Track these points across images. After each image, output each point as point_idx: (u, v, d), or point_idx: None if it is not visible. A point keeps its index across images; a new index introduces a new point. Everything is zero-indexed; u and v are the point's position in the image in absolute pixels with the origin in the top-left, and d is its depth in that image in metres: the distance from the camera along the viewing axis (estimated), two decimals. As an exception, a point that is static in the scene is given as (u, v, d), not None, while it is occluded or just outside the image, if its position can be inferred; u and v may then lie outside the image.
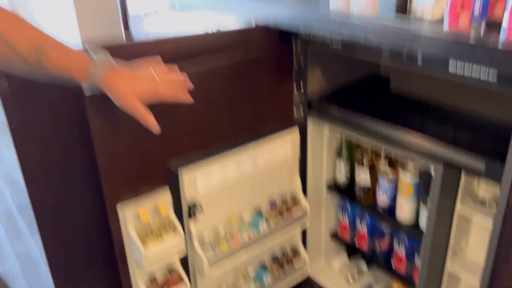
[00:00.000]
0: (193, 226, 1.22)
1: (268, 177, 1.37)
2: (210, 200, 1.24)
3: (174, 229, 1.14)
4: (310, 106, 1.37)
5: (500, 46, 0.77)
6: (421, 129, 1.16)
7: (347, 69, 1.43)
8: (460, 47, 0.81)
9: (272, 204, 1.40)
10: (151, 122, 0.90)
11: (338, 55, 1.19)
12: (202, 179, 1.20)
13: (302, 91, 1.35)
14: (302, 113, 1.38)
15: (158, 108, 0.93)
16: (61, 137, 1.04)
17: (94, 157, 1.03)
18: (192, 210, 1.20)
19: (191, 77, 1.02)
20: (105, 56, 0.88)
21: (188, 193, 1.18)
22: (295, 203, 1.45)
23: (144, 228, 1.11)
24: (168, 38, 1.18)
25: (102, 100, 0.91)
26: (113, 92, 0.88)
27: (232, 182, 1.28)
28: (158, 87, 0.92)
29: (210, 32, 1.50)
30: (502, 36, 0.80)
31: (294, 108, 1.37)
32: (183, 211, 1.19)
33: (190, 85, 0.98)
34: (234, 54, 1.22)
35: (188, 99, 0.97)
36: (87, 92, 0.93)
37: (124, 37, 1.89)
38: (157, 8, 1.85)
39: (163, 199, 1.13)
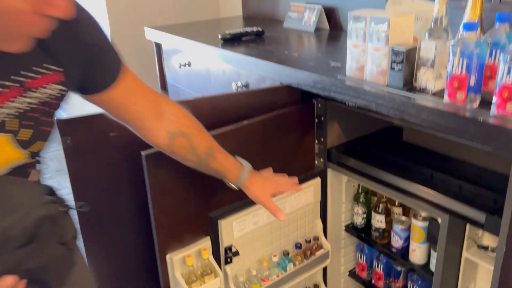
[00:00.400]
0: (229, 269, 1.35)
1: (293, 221, 1.50)
2: (244, 245, 1.38)
3: (213, 271, 1.28)
4: (330, 157, 1.51)
5: (490, 120, 0.90)
6: (429, 181, 1.29)
7: (364, 122, 1.57)
8: (455, 119, 0.95)
9: (297, 246, 1.53)
10: (280, 214, 1.16)
11: (355, 111, 1.34)
12: (237, 227, 1.34)
13: (322, 143, 1.49)
14: (322, 163, 1.52)
15: (203, 177, 1.13)
16: (115, 188, 1.21)
17: (142, 209, 1.19)
18: (228, 254, 1.34)
19: (228, 135, 1.18)
20: (248, 164, 1.16)
21: (225, 239, 1.32)
22: (317, 244, 1.57)
23: (187, 271, 1.26)
24: (205, 97, 1.35)
25: (157, 160, 1.09)
26: (251, 190, 1.16)
27: (262, 228, 1.42)
28: (279, 186, 1.22)
29: (239, 86, 1.68)
30: (493, 109, 0.93)
31: (316, 159, 1.51)
32: (221, 255, 1.33)
33: (296, 182, 1.28)
34: (263, 112, 1.37)
35: (297, 189, 1.30)
36: (146, 152, 1.10)
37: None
38: (190, 60, 2.03)
39: (204, 245, 1.28)
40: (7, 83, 0.73)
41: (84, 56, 0.83)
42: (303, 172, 1.49)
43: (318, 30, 1.99)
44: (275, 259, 1.47)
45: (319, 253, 1.56)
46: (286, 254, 1.49)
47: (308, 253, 1.54)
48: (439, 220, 1.23)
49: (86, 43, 0.83)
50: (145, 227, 1.22)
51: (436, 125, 1.00)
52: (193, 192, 1.23)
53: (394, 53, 1.09)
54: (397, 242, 1.47)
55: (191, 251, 1.26)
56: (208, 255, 1.28)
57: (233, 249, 1.36)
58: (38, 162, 0.85)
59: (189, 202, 1.24)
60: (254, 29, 1.88)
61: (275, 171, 1.41)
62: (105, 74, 0.90)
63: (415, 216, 1.39)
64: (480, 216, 1.13)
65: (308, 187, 1.50)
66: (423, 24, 1.20)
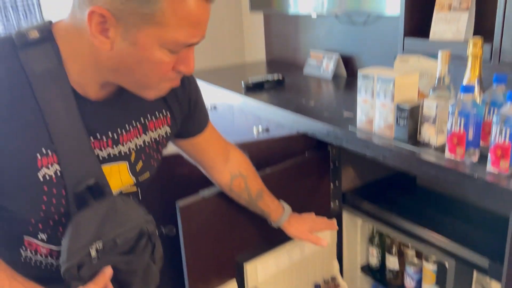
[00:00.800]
0: None
1: (312, 262, 1.57)
2: (268, 287, 1.45)
3: None
4: (345, 200, 1.59)
5: (484, 176, 0.98)
6: (438, 226, 1.35)
7: (377, 167, 1.65)
8: (454, 174, 1.03)
9: (317, 286, 1.59)
10: (323, 242, 1.34)
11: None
12: (261, 269, 1.41)
13: (337, 187, 1.58)
14: (337, 206, 1.60)
15: (229, 217, 1.26)
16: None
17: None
18: None
19: None
20: (289, 208, 1.33)
21: (250, 281, 1.39)
22: (335, 284, 1.64)
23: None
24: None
25: (190, 210, 1.21)
26: (289, 230, 1.32)
27: (285, 270, 1.49)
28: (316, 224, 1.38)
29: (260, 130, 1.79)
30: (488, 166, 1.01)
31: (331, 201, 1.60)
32: None
33: (334, 222, 1.45)
34: (282, 157, 1.47)
35: (333, 227, 1.45)
36: (181, 204, 1.22)
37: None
38: (216, 103, 2.17)
39: (231, 287, 1.37)
40: (137, 123, 0.94)
41: (187, 107, 1.04)
42: (319, 214, 1.57)
43: (336, 77, 2.11)
44: None
45: (336, 292, 1.62)
46: None
47: (327, 293, 1.61)
48: (447, 264, 1.29)
49: (190, 98, 1.04)
50: (176, 270, 1.33)
51: (437, 179, 1.08)
52: (221, 238, 1.33)
53: (399, 109, 1.18)
54: (409, 283, 1.53)
55: None
56: None
57: None
58: (138, 192, 1.01)
59: (217, 247, 1.33)
60: (275, 77, 2.01)
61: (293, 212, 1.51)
62: (198, 124, 1.11)
63: (427, 259, 1.46)
64: (484, 262, 1.18)
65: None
66: (428, 80, 1.30)
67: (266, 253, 1.43)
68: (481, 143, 1.09)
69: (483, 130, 1.10)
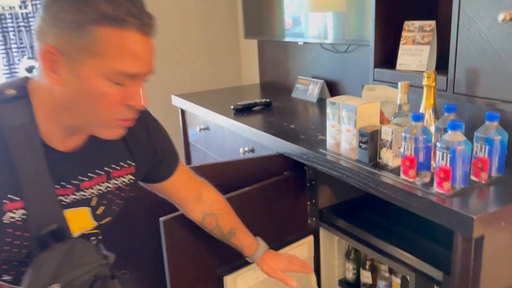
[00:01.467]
0: None
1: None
2: None
3: None
4: (322, 217, 1.70)
5: (428, 196, 1.10)
6: (404, 243, 1.45)
7: (353, 186, 1.76)
8: (403, 194, 1.15)
9: (295, 299, 1.70)
10: (293, 284, 1.37)
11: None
12: (241, 282, 1.50)
13: (314, 204, 1.69)
14: (315, 222, 1.71)
15: (210, 239, 1.35)
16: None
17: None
18: None
19: (232, 200, 1.38)
20: (265, 245, 1.39)
21: None
22: (313, 297, 1.74)
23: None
24: (210, 164, 1.59)
25: (173, 225, 1.31)
26: (263, 267, 1.37)
27: (262, 283, 1.57)
28: (291, 265, 1.40)
29: (246, 150, 1.92)
30: (434, 187, 1.12)
31: (308, 218, 1.71)
32: None
33: (308, 265, 1.46)
34: (262, 175, 1.59)
35: (308, 270, 1.45)
36: (164, 218, 1.32)
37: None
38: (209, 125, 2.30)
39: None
40: (100, 171, 1.00)
41: (153, 156, 1.10)
42: (297, 230, 1.69)
43: (320, 100, 2.23)
44: None
45: (315, 305, 1.72)
46: None
47: (305, 305, 1.71)
48: (408, 278, 1.39)
49: (156, 147, 1.10)
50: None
51: (390, 198, 1.19)
52: (203, 252, 1.42)
53: (361, 134, 1.30)
54: (381, 297, 1.63)
55: None
56: None
57: None
58: (100, 234, 1.07)
59: (199, 261, 1.41)
60: (263, 100, 2.14)
61: (273, 229, 1.60)
62: (166, 170, 1.17)
63: (395, 274, 1.55)
64: (439, 275, 1.28)
65: (302, 244, 1.69)
66: (392, 107, 1.42)
67: (245, 267, 1.51)
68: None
69: (435, 154, 1.21)
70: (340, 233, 1.65)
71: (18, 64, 5.56)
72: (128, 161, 1.05)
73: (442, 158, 1.09)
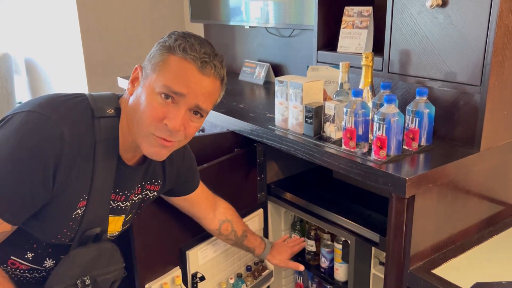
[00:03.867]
0: None
1: None
2: (207, 271, 1.61)
3: None
4: (270, 191, 1.81)
5: (366, 162, 1.22)
6: (345, 211, 1.59)
7: (298, 162, 1.88)
8: (345, 162, 1.27)
9: (248, 268, 1.79)
10: (301, 268, 1.63)
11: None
12: (201, 255, 1.57)
13: (263, 179, 1.79)
14: (264, 196, 1.81)
15: (171, 211, 1.42)
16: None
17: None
18: (195, 280, 1.56)
19: None
20: (270, 242, 1.64)
21: (192, 267, 1.55)
22: (262, 266, 1.84)
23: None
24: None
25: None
26: (272, 261, 1.62)
27: (220, 255, 1.66)
28: (292, 250, 1.66)
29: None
30: (372, 154, 1.25)
31: (258, 193, 1.81)
32: (188, 281, 1.55)
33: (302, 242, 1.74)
34: (213, 152, 1.66)
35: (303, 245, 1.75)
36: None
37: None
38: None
39: (177, 273, 1.50)
40: (139, 185, 1.16)
41: (179, 178, 1.29)
42: (249, 204, 1.78)
43: (266, 83, 2.33)
44: (231, 281, 1.72)
45: (265, 273, 1.83)
46: (239, 276, 1.75)
47: (256, 274, 1.81)
48: (349, 242, 1.53)
49: (186, 172, 1.30)
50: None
51: (333, 166, 1.31)
52: (167, 229, 1.47)
53: (306, 110, 1.41)
54: (324, 263, 1.76)
55: (167, 279, 1.48)
56: (180, 281, 1.50)
57: (199, 275, 1.58)
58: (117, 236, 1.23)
59: (163, 238, 1.47)
60: (212, 82, 2.20)
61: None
62: (188, 188, 1.36)
63: (337, 240, 1.69)
64: (375, 237, 1.43)
65: (254, 217, 1.79)
66: (334, 86, 1.54)
67: (205, 241, 1.59)
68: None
69: (372, 127, 1.34)
70: (287, 205, 1.76)
71: None
72: (159, 180, 1.23)
73: (379, 129, 1.22)
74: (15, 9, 3.75)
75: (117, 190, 1.09)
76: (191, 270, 1.56)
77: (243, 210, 1.73)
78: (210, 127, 1.91)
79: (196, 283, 1.59)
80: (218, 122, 1.81)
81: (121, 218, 1.16)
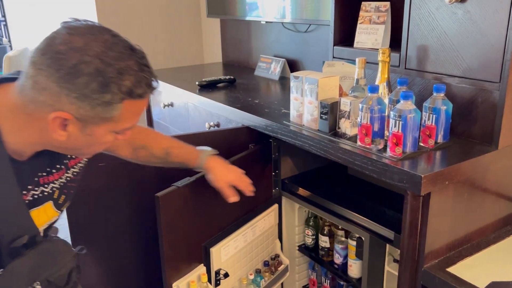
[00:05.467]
0: None
1: (261, 242, 1.77)
2: (229, 267, 1.62)
3: None
4: (284, 187, 1.81)
5: (382, 159, 1.21)
6: (360, 207, 1.58)
7: (314, 158, 1.87)
8: (360, 158, 1.26)
9: (266, 264, 1.80)
10: (234, 199, 1.41)
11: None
12: (224, 252, 1.57)
13: (277, 175, 1.79)
14: (278, 192, 1.81)
15: (198, 206, 1.42)
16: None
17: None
18: (218, 277, 1.56)
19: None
20: (210, 150, 1.41)
21: (215, 264, 1.55)
22: (278, 261, 1.84)
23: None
24: (179, 135, 1.65)
25: (168, 200, 1.35)
26: (213, 173, 1.39)
27: (241, 251, 1.66)
28: (240, 181, 1.45)
29: (212, 125, 1.99)
30: (387, 151, 1.24)
31: (273, 188, 1.81)
32: (212, 278, 1.55)
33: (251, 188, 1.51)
34: (228, 147, 1.66)
35: (250, 192, 1.50)
36: (160, 194, 1.34)
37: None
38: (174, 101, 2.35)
39: (202, 270, 1.50)
40: (60, 166, 1.03)
41: None
42: (264, 199, 1.78)
43: (282, 78, 2.33)
44: (251, 277, 1.73)
45: (280, 268, 1.83)
46: (258, 271, 1.76)
47: (273, 269, 1.82)
48: (363, 238, 1.52)
49: None
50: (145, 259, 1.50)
51: (348, 162, 1.30)
52: (192, 227, 1.46)
53: (322, 106, 1.41)
54: (338, 259, 1.76)
55: (193, 277, 1.47)
56: (206, 279, 1.50)
57: (222, 272, 1.58)
58: (60, 216, 1.12)
59: (189, 235, 1.46)
60: (227, 77, 2.21)
61: (241, 199, 1.68)
62: None
63: (351, 237, 1.68)
64: (390, 235, 1.42)
65: (270, 212, 1.79)
66: (350, 82, 1.53)
67: (226, 238, 1.59)
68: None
69: (388, 123, 1.33)
70: (301, 200, 1.76)
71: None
72: None
73: (395, 126, 1.21)
74: (35, 5, 3.81)
75: (27, 187, 0.97)
76: (214, 267, 1.57)
77: (258, 206, 1.74)
78: (225, 122, 1.92)
79: (220, 279, 1.59)
80: (233, 117, 1.81)
81: (48, 205, 1.03)
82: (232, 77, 2.23)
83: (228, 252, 1.62)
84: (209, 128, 2.01)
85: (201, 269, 1.52)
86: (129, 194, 1.56)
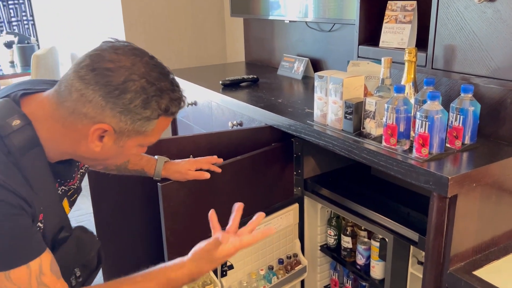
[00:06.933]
0: (224, 280, 1.61)
1: (277, 240, 1.78)
2: (237, 260, 1.63)
3: (213, 282, 1.53)
4: (306, 186, 1.80)
5: (409, 161, 1.20)
6: (384, 208, 1.57)
7: (336, 158, 1.87)
8: (385, 159, 1.25)
9: (280, 261, 1.80)
10: (205, 176, 1.43)
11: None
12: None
13: (300, 174, 1.79)
14: (300, 191, 1.81)
15: (205, 197, 1.43)
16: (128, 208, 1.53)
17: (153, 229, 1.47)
18: (224, 268, 1.58)
19: (224, 167, 1.47)
20: (164, 157, 1.44)
21: None
22: (296, 260, 1.85)
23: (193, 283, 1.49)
24: (203, 134, 1.67)
25: (170, 189, 1.39)
26: (173, 175, 1.42)
27: (253, 247, 1.64)
28: (197, 162, 1.45)
29: (234, 124, 2.00)
30: (413, 152, 1.23)
31: (294, 187, 1.81)
32: (218, 269, 1.58)
33: (216, 161, 1.50)
34: (251, 146, 1.67)
35: (216, 168, 1.48)
36: (158, 183, 1.39)
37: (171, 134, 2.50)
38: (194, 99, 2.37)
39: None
40: (76, 168, 1.11)
41: None
42: (284, 198, 1.78)
43: (305, 78, 2.32)
44: (262, 273, 1.74)
45: (298, 268, 1.83)
46: (271, 268, 1.77)
47: (289, 267, 1.82)
48: (387, 240, 1.51)
49: None
50: (154, 244, 1.51)
51: (373, 163, 1.29)
52: (197, 215, 1.46)
53: (346, 105, 1.40)
54: (360, 260, 1.75)
55: None
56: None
57: (228, 263, 1.62)
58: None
59: (193, 224, 1.48)
60: (250, 76, 2.22)
61: (261, 197, 1.69)
62: None
63: (374, 238, 1.67)
64: (415, 236, 1.40)
65: (288, 211, 1.79)
66: (375, 82, 1.51)
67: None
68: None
69: (414, 124, 1.32)
70: (323, 200, 1.75)
71: (-5, 39, 5.41)
72: None
73: (421, 126, 1.19)
74: (62, 5, 3.88)
75: (60, 184, 1.06)
76: None
77: (278, 204, 1.74)
78: (248, 121, 1.92)
79: (225, 271, 1.60)
80: (256, 116, 1.82)
81: (65, 201, 1.11)
82: (255, 76, 2.23)
83: None
84: (232, 127, 2.02)
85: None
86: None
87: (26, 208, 0.89)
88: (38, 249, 0.92)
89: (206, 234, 1.57)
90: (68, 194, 1.11)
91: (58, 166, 1.01)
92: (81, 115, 0.90)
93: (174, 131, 2.69)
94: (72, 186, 1.12)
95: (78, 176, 1.15)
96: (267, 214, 1.69)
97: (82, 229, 1.13)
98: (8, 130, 0.89)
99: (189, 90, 2.36)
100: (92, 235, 1.17)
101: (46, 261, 0.92)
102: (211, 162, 1.48)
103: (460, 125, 1.26)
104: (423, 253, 1.31)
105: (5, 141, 0.89)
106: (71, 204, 1.15)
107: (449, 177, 1.09)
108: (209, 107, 2.25)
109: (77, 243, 1.08)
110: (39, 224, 0.95)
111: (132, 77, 0.89)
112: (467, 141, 1.29)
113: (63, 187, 1.08)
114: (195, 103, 2.37)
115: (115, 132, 0.93)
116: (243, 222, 1.47)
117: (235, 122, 2.01)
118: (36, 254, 0.91)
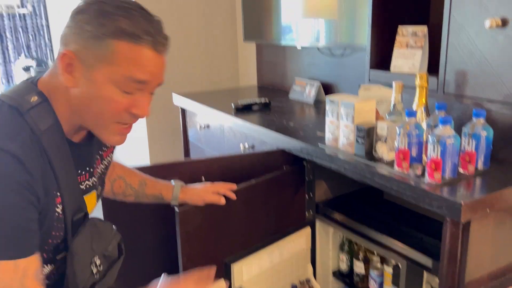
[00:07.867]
0: None
1: (289, 265, 1.76)
2: (251, 285, 1.61)
3: None
4: (318, 210, 1.80)
5: (420, 185, 1.20)
6: (396, 233, 1.55)
7: (348, 181, 1.86)
8: (397, 184, 1.25)
9: (293, 287, 1.78)
10: (222, 201, 1.42)
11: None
12: (246, 269, 1.57)
13: (311, 198, 1.79)
14: (312, 215, 1.81)
15: (219, 222, 1.42)
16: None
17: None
18: None
19: (239, 192, 1.48)
20: (180, 181, 1.43)
21: (236, 281, 1.56)
22: (309, 286, 1.83)
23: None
24: (215, 158, 1.68)
25: (187, 215, 1.39)
26: (191, 201, 1.41)
27: (266, 271, 1.66)
28: (214, 186, 1.45)
29: (246, 147, 2.01)
30: (426, 177, 1.23)
31: (306, 211, 1.81)
32: None
33: (233, 188, 1.48)
34: (263, 170, 1.68)
35: (231, 195, 1.46)
36: (176, 208, 1.38)
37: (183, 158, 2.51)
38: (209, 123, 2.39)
39: (221, 286, 1.47)
40: (97, 156, 1.12)
41: None
42: (296, 222, 1.78)
43: (317, 102, 2.34)
44: None
45: (311, 294, 1.82)
46: None
47: (302, 294, 1.80)
48: (400, 265, 1.49)
49: None
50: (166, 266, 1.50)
51: (385, 187, 1.29)
52: (212, 241, 1.49)
53: (358, 130, 1.40)
54: (373, 286, 1.72)
55: None
56: None
57: None
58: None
59: (209, 250, 1.49)
60: (262, 100, 2.24)
61: (273, 221, 1.69)
62: None
63: (387, 263, 1.65)
64: (428, 262, 1.39)
65: (301, 236, 1.79)
66: (386, 106, 1.52)
67: (250, 256, 1.60)
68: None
69: (426, 148, 1.32)
70: (335, 224, 1.75)
71: (13, 63, 5.60)
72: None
73: (433, 151, 1.19)
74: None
75: (79, 171, 1.04)
76: (235, 284, 1.57)
77: (290, 228, 1.73)
78: (260, 144, 1.93)
79: None
80: (267, 139, 1.83)
81: (93, 194, 1.11)
82: (267, 100, 2.25)
83: (251, 271, 1.61)
84: (244, 150, 2.03)
85: (221, 284, 1.51)
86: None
87: (34, 187, 0.88)
88: (31, 250, 0.90)
89: (220, 258, 1.60)
90: (98, 187, 1.13)
91: (77, 148, 1.01)
92: (58, 57, 0.92)
93: (187, 153, 2.71)
94: (95, 177, 1.10)
95: (102, 161, 1.14)
96: (279, 238, 1.69)
97: (94, 220, 1.11)
98: (27, 106, 0.92)
99: (202, 113, 2.38)
100: (110, 225, 1.15)
101: (33, 265, 0.90)
102: (227, 188, 1.47)
103: (473, 150, 1.25)
104: (437, 280, 1.29)
105: (26, 118, 0.91)
106: (98, 197, 1.15)
107: (462, 203, 1.09)
108: (221, 130, 2.27)
109: (93, 230, 1.07)
110: (56, 209, 0.95)
111: (95, 2, 0.91)
112: (480, 166, 1.28)
113: (93, 178, 1.08)
114: (208, 126, 2.39)
115: (78, 58, 0.90)
116: (256, 247, 1.46)
117: (247, 145, 2.02)
118: (27, 254, 0.89)
